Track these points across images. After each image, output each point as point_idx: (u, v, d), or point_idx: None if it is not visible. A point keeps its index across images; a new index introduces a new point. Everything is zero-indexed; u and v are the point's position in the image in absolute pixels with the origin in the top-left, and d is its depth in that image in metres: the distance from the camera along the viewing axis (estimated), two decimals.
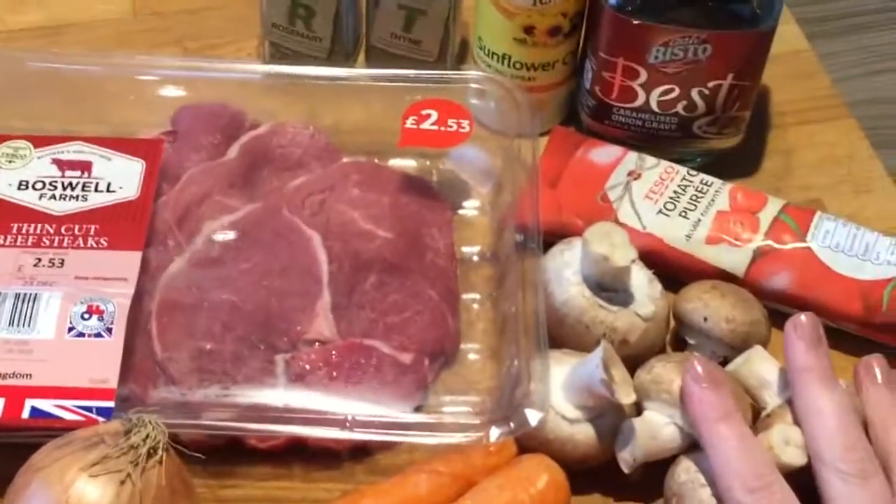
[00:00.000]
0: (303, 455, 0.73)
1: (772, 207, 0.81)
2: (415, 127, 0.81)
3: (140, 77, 0.85)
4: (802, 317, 0.70)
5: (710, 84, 0.83)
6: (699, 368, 0.68)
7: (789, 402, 0.70)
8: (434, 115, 0.81)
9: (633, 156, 0.85)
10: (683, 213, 0.81)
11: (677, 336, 0.79)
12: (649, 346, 0.76)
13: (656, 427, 0.71)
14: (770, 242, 0.80)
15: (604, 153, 0.85)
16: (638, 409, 0.73)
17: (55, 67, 0.85)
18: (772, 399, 0.72)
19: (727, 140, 0.88)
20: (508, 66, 0.87)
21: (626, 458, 0.71)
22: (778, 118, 0.95)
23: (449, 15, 0.87)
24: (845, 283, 0.78)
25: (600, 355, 0.69)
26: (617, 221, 0.81)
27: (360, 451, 0.73)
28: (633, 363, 0.74)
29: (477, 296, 0.81)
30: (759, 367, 0.73)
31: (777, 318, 0.79)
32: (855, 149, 0.93)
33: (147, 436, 0.62)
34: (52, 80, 0.84)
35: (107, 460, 0.61)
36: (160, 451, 0.62)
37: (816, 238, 0.80)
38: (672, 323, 0.79)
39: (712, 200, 0.82)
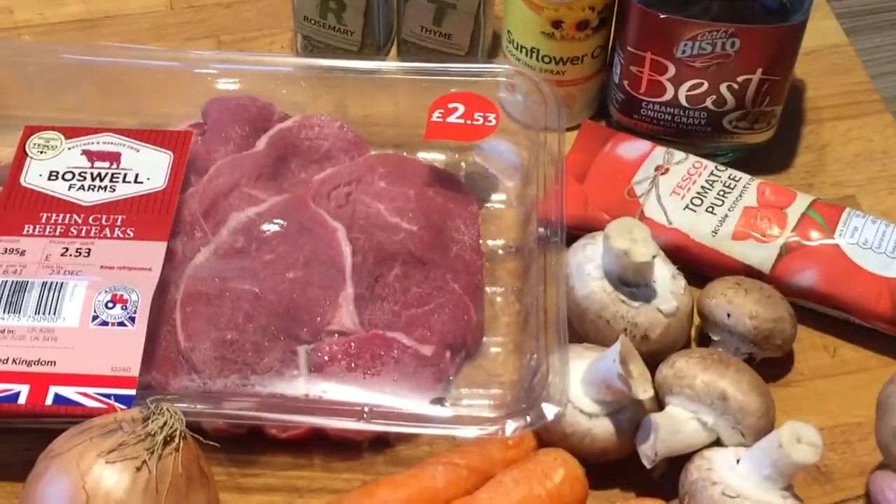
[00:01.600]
0: (323, 445, 0.73)
1: (800, 203, 0.81)
2: (441, 120, 0.81)
3: (173, 69, 0.86)
4: None
5: (740, 79, 0.82)
6: None
7: None
8: (461, 108, 0.81)
9: (660, 151, 0.84)
10: (710, 209, 0.81)
11: (701, 332, 0.79)
12: (671, 342, 0.75)
13: (679, 422, 0.71)
14: (797, 238, 0.79)
15: (632, 148, 0.85)
16: (659, 404, 0.73)
17: (89, 60, 0.86)
18: None
19: (758, 135, 0.87)
20: (537, 59, 0.87)
21: (648, 453, 0.70)
22: (813, 113, 0.94)
23: (479, 9, 0.87)
24: (873, 281, 0.77)
25: (618, 350, 0.68)
26: (643, 216, 0.81)
27: (381, 443, 0.74)
28: (656, 359, 0.74)
29: (502, 289, 0.81)
30: None
31: (804, 315, 0.79)
32: (891, 145, 0.91)
33: (164, 423, 0.63)
34: (86, 72, 0.86)
35: (123, 447, 0.62)
36: (177, 439, 0.63)
37: (844, 235, 0.79)
38: (697, 319, 0.78)
39: (740, 196, 0.81)
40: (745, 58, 0.81)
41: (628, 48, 0.83)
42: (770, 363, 0.77)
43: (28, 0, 0.99)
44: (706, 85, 0.83)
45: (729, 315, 0.75)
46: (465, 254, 0.81)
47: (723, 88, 0.83)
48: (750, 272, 0.79)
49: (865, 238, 0.79)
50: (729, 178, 0.82)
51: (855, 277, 0.78)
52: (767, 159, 0.89)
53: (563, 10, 0.83)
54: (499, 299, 0.80)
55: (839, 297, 0.78)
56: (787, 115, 0.90)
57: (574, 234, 0.79)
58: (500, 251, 0.83)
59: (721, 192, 0.81)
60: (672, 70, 0.83)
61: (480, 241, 0.82)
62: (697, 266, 0.80)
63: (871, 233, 0.79)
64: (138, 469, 0.62)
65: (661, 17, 0.80)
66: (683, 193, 0.82)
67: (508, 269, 0.82)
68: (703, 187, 0.82)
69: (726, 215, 0.80)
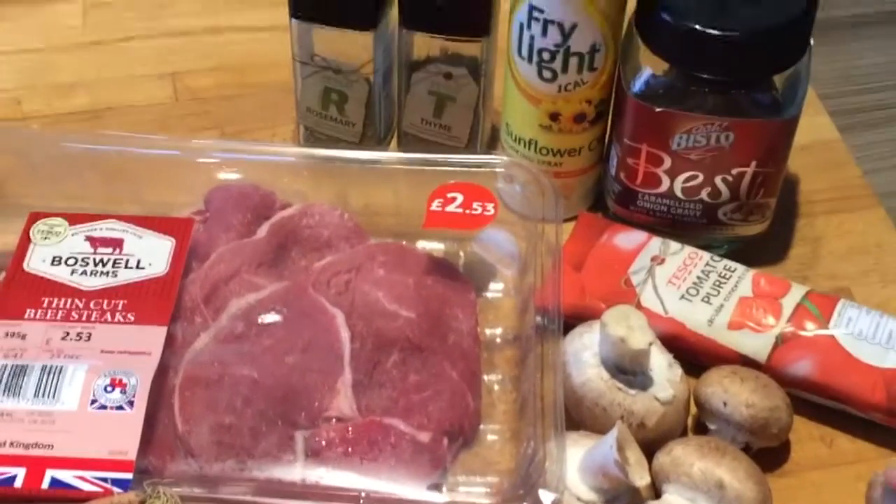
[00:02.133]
0: None
1: (795, 294, 0.81)
2: (440, 209, 0.82)
3: (176, 158, 0.87)
4: None
5: (734, 171, 0.84)
6: None
7: None
8: (459, 198, 0.83)
9: (657, 241, 0.85)
10: (706, 299, 0.81)
11: (698, 421, 0.79)
12: (667, 431, 0.75)
13: None
14: (793, 329, 0.80)
15: (628, 238, 0.86)
16: (656, 492, 0.73)
17: (93, 149, 0.87)
18: None
19: (753, 227, 0.88)
20: (535, 151, 0.88)
21: None
22: (806, 207, 0.95)
23: (478, 102, 0.89)
24: (868, 372, 0.78)
25: (615, 437, 0.69)
26: (639, 306, 0.81)
27: None
28: (652, 447, 0.74)
29: (499, 377, 0.81)
30: None
31: (800, 405, 0.79)
32: (884, 239, 0.93)
33: None
34: (90, 160, 0.87)
35: None
36: None
37: (840, 325, 0.80)
38: (693, 408, 0.79)
39: (735, 286, 0.82)
40: (739, 151, 0.82)
41: (625, 140, 0.85)
42: (766, 453, 0.77)
43: (36, 91, 1.01)
44: (701, 177, 0.84)
45: (725, 403, 0.75)
46: (462, 341, 0.81)
47: (718, 180, 0.84)
48: (746, 362, 0.79)
49: (860, 329, 0.79)
50: (724, 268, 0.83)
51: (850, 368, 0.78)
52: (762, 251, 0.90)
53: (560, 102, 0.84)
54: (496, 387, 0.81)
55: (834, 388, 0.79)
56: (782, 208, 0.91)
57: (572, 323, 0.79)
58: (498, 339, 0.83)
59: (716, 283, 0.82)
60: (668, 162, 0.84)
61: (478, 329, 0.83)
62: (693, 355, 0.81)
63: (865, 324, 0.80)
64: None
65: (657, 110, 0.81)
66: (679, 283, 0.82)
67: (506, 357, 0.82)
68: (698, 277, 0.83)
69: (722, 305, 0.81)
